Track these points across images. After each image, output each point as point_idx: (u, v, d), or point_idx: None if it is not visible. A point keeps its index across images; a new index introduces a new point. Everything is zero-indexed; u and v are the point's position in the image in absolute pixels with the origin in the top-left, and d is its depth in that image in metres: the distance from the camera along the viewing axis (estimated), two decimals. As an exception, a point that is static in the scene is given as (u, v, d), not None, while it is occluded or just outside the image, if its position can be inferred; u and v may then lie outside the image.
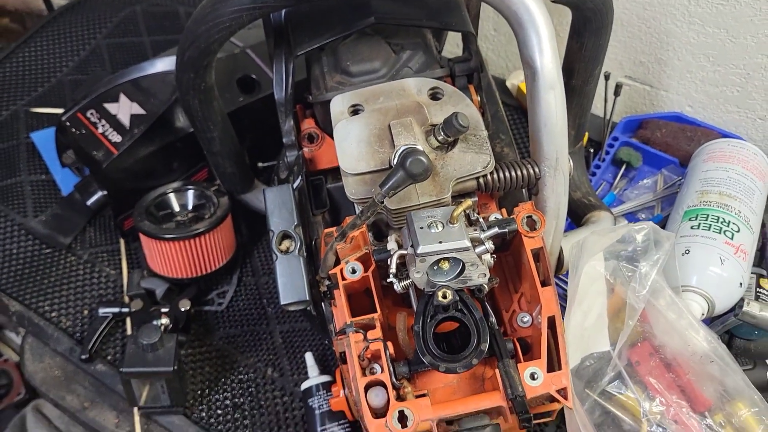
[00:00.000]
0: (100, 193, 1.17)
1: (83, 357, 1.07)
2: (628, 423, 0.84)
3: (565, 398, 0.70)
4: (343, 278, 0.75)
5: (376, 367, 0.71)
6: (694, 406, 0.85)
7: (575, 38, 0.94)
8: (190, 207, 1.14)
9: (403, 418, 0.67)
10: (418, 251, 0.68)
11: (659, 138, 1.27)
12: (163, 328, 1.05)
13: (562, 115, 0.76)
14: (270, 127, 0.99)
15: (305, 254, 0.81)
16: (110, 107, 1.13)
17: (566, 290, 0.85)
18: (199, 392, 1.06)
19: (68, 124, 1.13)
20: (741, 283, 0.98)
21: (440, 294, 0.69)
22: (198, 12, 0.81)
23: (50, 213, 1.23)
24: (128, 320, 1.11)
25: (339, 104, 0.82)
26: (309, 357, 1.05)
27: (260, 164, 1.16)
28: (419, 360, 0.70)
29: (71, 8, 1.56)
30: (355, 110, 0.81)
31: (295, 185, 0.86)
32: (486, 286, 0.73)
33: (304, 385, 1.01)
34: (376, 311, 0.74)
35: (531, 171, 0.79)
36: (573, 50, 0.95)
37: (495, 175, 0.78)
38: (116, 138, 1.10)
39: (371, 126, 0.78)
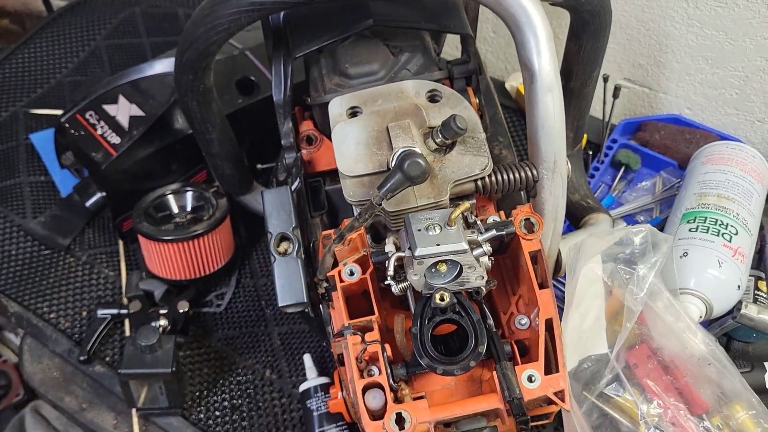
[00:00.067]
0: (99, 195, 1.17)
1: (82, 358, 1.07)
2: (625, 425, 0.84)
3: (563, 400, 0.70)
4: (341, 280, 0.75)
5: (374, 369, 0.71)
6: (691, 408, 0.85)
7: (573, 40, 0.94)
8: (188, 208, 1.14)
9: (400, 421, 0.67)
10: (416, 254, 0.68)
11: (658, 140, 1.27)
12: (161, 329, 1.05)
13: (560, 117, 0.76)
14: (269, 129, 0.99)
15: (303, 256, 0.81)
16: (109, 109, 1.13)
17: (564, 292, 0.85)
18: (197, 394, 1.06)
19: (67, 125, 1.13)
20: (739, 286, 0.98)
21: (438, 296, 0.69)
22: (197, 14, 0.81)
23: (49, 214, 1.23)
24: (127, 322, 1.11)
25: (337, 106, 0.82)
26: (307, 359, 1.05)
27: (259, 166, 1.16)
28: (417, 362, 0.70)
29: (70, 9, 1.56)
30: (354, 112, 0.81)
31: (293, 187, 0.86)
32: (484, 289, 0.73)
33: (303, 387, 1.01)
34: (373, 313, 0.74)
35: (529, 173, 0.79)
36: (571, 52, 0.95)
37: (493, 178, 0.78)
38: (115, 139, 1.11)
39: (369, 128, 0.78)
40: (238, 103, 1.15)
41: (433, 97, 0.82)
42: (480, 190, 0.78)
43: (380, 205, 0.70)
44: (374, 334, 0.72)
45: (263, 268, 1.20)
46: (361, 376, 0.70)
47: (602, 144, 1.27)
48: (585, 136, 1.21)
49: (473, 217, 0.75)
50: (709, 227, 1.01)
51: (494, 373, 0.70)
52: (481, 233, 0.72)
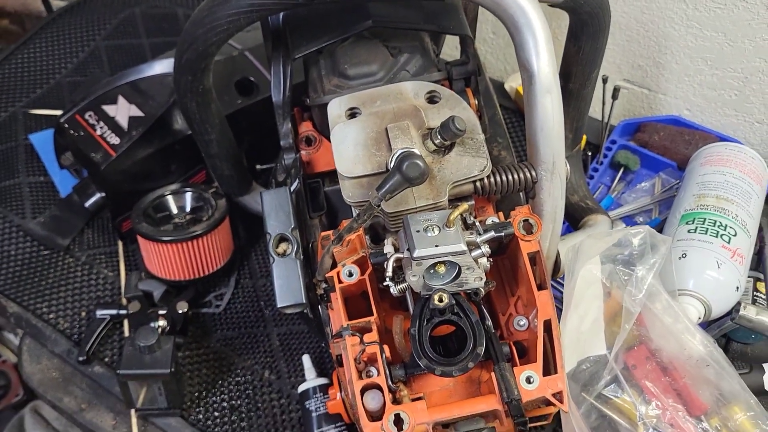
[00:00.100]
0: (98, 195, 1.17)
1: (81, 359, 1.07)
2: (624, 427, 0.84)
3: (561, 402, 0.70)
4: (340, 281, 0.75)
5: (373, 370, 0.71)
6: (690, 409, 0.85)
7: (572, 42, 0.94)
8: (188, 209, 1.14)
9: (398, 422, 0.67)
10: (415, 255, 0.68)
11: (657, 141, 1.27)
12: (160, 330, 1.05)
13: (558, 118, 0.76)
14: (268, 130, 0.99)
15: (302, 257, 0.81)
16: (108, 109, 1.13)
17: (563, 294, 0.85)
18: (196, 394, 1.06)
19: (67, 125, 1.13)
20: (738, 287, 0.98)
21: (436, 297, 0.69)
22: (196, 15, 0.81)
23: (48, 214, 1.23)
24: (126, 322, 1.11)
25: (336, 107, 0.82)
26: (306, 359, 1.05)
27: (258, 166, 1.16)
28: (415, 363, 0.70)
29: (70, 10, 1.56)
30: (353, 113, 0.81)
31: (292, 188, 0.86)
32: (482, 290, 0.73)
33: (301, 388, 1.01)
34: (372, 314, 0.74)
35: (528, 174, 0.79)
36: (570, 54, 0.96)
37: (492, 179, 0.78)
38: (114, 140, 1.11)
39: (368, 129, 0.78)
40: (237, 103, 1.15)
41: (432, 98, 0.82)
42: (479, 191, 0.78)
43: (379, 206, 0.70)
44: (373, 335, 0.72)
45: (262, 268, 1.20)
46: (360, 377, 0.70)
47: (601, 145, 1.27)
48: (584, 137, 1.21)
49: (472, 219, 0.75)
50: (707, 228, 1.01)
51: (493, 374, 0.70)
52: (479, 234, 0.72)
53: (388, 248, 0.74)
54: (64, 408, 1.07)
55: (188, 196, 1.14)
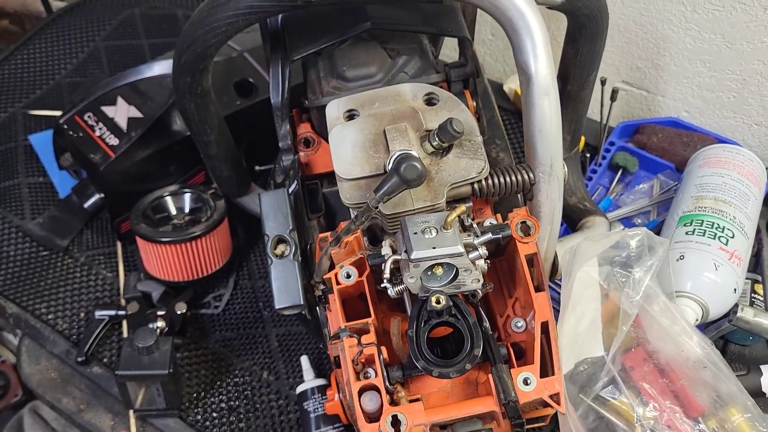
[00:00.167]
0: (97, 196, 1.17)
1: (79, 359, 1.07)
2: (621, 428, 0.84)
3: (558, 403, 0.70)
4: (338, 283, 0.75)
5: (370, 371, 0.71)
6: (687, 411, 0.85)
7: (571, 44, 0.94)
8: (186, 210, 1.14)
9: (396, 423, 0.67)
10: (412, 256, 0.68)
11: (656, 143, 1.27)
12: (159, 331, 1.05)
13: (556, 120, 0.76)
14: (267, 131, 0.99)
15: (300, 259, 0.81)
16: (108, 110, 1.13)
17: (560, 295, 0.86)
18: (194, 395, 1.06)
19: (66, 126, 1.13)
20: (735, 289, 0.98)
21: (434, 299, 0.69)
22: (195, 16, 0.81)
23: (47, 215, 1.23)
24: (124, 323, 1.11)
25: (334, 109, 0.82)
26: (304, 360, 1.05)
27: (257, 167, 1.16)
28: (413, 365, 0.70)
29: (70, 11, 1.56)
30: (351, 115, 0.81)
31: (290, 189, 0.86)
32: (480, 292, 0.73)
33: (300, 389, 1.02)
34: (370, 316, 0.74)
35: (526, 176, 0.79)
36: (568, 56, 0.96)
37: (489, 181, 0.78)
38: (113, 141, 1.11)
39: (366, 131, 0.78)
40: (236, 105, 1.15)
41: (430, 100, 0.82)
42: (477, 193, 0.78)
43: (377, 207, 0.71)
44: (370, 337, 0.72)
45: (261, 269, 1.20)
46: (357, 379, 0.70)
47: (600, 146, 1.27)
48: (583, 138, 1.21)
49: (470, 220, 0.75)
50: (705, 230, 1.01)
51: (490, 375, 0.70)
52: (477, 236, 0.72)
53: (385, 250, 0.74)
54: (63, 408, 1.07)
55: (187, 197, 1.14)
